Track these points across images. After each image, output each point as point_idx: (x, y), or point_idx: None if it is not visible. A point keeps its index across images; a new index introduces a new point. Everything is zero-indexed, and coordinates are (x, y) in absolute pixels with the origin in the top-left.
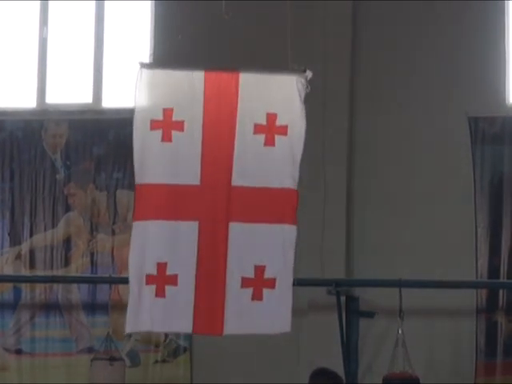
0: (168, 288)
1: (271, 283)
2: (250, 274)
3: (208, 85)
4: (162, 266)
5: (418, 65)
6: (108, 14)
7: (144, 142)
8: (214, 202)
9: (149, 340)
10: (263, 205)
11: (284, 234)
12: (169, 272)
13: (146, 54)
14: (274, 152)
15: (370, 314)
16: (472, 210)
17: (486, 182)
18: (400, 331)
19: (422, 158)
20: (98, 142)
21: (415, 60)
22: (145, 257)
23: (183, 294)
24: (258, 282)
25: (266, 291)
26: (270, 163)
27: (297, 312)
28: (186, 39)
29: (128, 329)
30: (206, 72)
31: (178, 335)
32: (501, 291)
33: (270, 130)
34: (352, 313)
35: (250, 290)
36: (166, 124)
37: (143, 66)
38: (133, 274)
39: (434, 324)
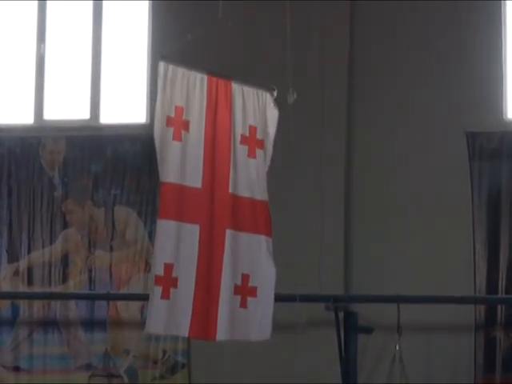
0: (172, 290)
1: (253, 292)
2: (239, 282)
3: (209, 89)
4: (168, 267)
5: (417, 81)
6: (105, 30)
7: (162, 138)
8: (213, 208)
9: (147, 356)
10: (249, 215)
11: (264, 245)
12: (174, 274)
13: (143, 71)
14: (255, 164)
15: (368, 330)
16: (470, 225)
17: (484, 197)
18: (398, 347)
19: (420, 172)
20: (95, 159)
21: (414, 76)
22: (156, 256)
23: (182, 297)
24: (244, 290)
25: (249, 299)
26: (253, 175)
27: (295, 327)
28: (183, 46)
29: (146, 329)
30: (208, 76)
31: (176, 351)
32: (499, 306)
33: (252, 142)
34: (350, 328)
35: (238, 297)
36: (177, 122)
37: (163, 58)
38: (152, 274)
39: (432, 339)
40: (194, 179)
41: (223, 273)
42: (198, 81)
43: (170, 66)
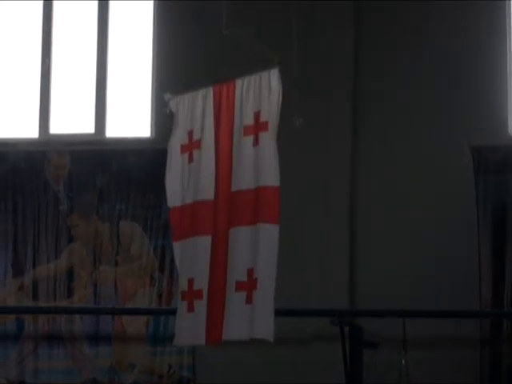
0: (196, 302)
1: (256, 283)
2: (244, 278)
3: (215, 99)
4: (191, 282)
5: (421, 94)
6: (111, 45)
7: (176, 166)
8: (221, 213)
9: (152, 371)
10: (254, 205)
11: (267, 233)
12: (195, 287)
13: (148, 85)
14: (260, 150)
15: (373, 344)
16: (475, 239)
17: (489, 211)
18: (404, 361)
19: (425, 186)
20: (100, 173)
21: (417, 89)
22: (180, 274)
23: (203, 307)
24: (250, 285)
25: (254, 293)
26: (259, 162)
27: (300, 342)
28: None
29: (174, 342)
30: (213, 87)
31: (181, 366)
32: (505, 321)
33: (256, 128)
34: (355, 343)
35: (243, 294)
36: (190, 146)
37: (169, 98)
38: (178, 291)
39: (437, 354)
40: (208, 192)
41: (227, 274)
42: (205, 96)
43: (177, 98)
